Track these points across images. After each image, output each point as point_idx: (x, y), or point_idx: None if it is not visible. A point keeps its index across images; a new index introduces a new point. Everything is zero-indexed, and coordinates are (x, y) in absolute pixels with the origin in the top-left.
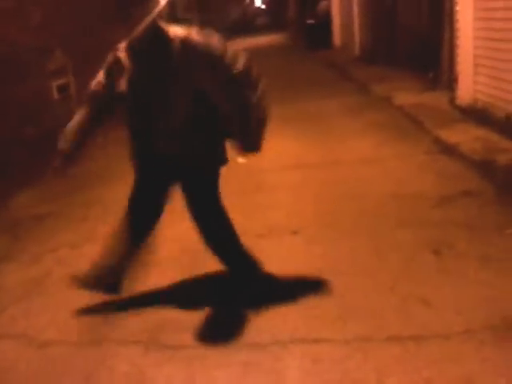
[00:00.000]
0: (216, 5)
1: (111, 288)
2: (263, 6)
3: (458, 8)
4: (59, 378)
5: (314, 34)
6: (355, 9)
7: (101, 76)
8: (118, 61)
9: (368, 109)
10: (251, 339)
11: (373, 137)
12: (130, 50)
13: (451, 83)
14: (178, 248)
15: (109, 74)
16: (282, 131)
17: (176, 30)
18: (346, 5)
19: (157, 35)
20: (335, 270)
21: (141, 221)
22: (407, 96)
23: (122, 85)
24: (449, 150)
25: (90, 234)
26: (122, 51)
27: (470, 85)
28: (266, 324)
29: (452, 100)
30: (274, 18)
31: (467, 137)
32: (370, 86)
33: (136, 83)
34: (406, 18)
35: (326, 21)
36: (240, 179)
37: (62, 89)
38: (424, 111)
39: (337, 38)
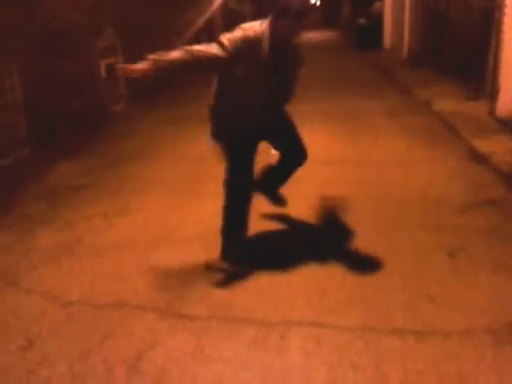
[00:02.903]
0: None
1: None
2: (318, 3)
3: (505, 19)
4: (78, 335)
5: (365, 34)
6: (407, 13)
7: (231, 42)
8: (257, 40)
9: (406, 112)
10: (261, 317)
11: (407, 140)
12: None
13: (493, 94)
14: (203, 227)
15: (242, 45)
16: (318, 125)
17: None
18: (398, 8)
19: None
20: (349, 263)
21: (249, 190)
22: (447, 103)
23: (253, 58)
24: (480, 159)
25: (121, 207)
26: (262, 35)
27: (510, 98)
28: (277, 304)
29: (491, 111)
30: (327, 16)
31: (500, 148)
32: (412, 90)
33: (266, 63)
34: (456, 26)
35: (377, 22)
36: None
37: (110, 68)
38: (462, 119)
39: (387, 40)
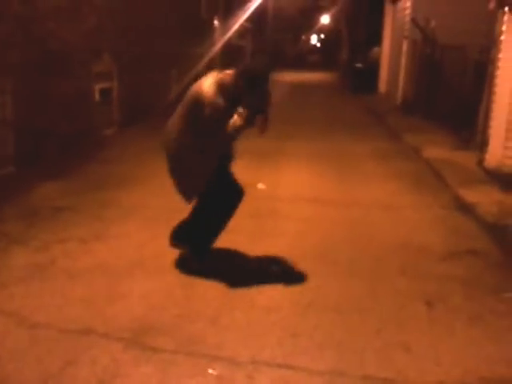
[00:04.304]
0: (271, 35)
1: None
2: (318, 45)
3: (498, 73)
4: (40, 360)
5: (361, 77)
6: (403, 60)
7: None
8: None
9: (396, 157)
10: (229, 354)
11: (394, 184)
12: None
13: (482, 145)
14: (180, 259)
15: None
16: (306, 164)
17: None
18: (395, 55)
19: None
20: (326, 305)
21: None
22: (437, 150)
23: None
24: (465, 209)
25: (100, 232)
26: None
27: (499, 149)
28: (248, 342)
29: (480, 161)
30: (326, 57)
31: (486, 198)
32: (403, 136)
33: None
34: (450, 76)
35: (374, 67)
36: (255, 205)
37: (104, 92)
38: (450, 167)
39: (382, 84)
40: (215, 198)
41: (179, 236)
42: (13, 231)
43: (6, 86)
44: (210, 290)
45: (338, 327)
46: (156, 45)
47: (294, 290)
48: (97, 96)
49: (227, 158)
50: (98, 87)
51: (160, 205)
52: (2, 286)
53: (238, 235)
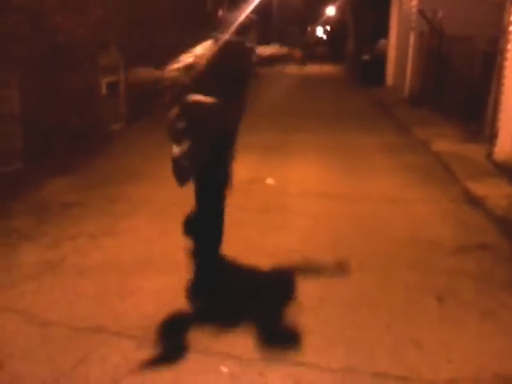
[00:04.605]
0: (277, 26)
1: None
2: (324, 37)
3: (506, 64)
4: (52, 358)
5: (368, 70)
6: (410, 52)
7: None
8: None
9: (404, 150)
10: (240, 352)
11: (402, 177)
12: None
13: (491, 137)
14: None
15: None
16: (313, 157)
17: None
18: (402, 47)
19: None
20: (336, 300)
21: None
22: (446, 143)
23: None
24: (474, 202)
25: (110, 228)
26: None
27: (508, 142)
28: (259, 341)
29: (489, 154)
30: (332, 49)
31: (496, 192)
32: (411, 129)
33: None
34: (457, 68)
35: (381, 59)
36: (264, 200)
37: (111, 86)
38: (459, 161)
39: (389, 77)
40: (209, 191)
41: (189, 228)
42: (22, 227)
43: (13, 79)
44: (218, 290)
45: (349, 323)
46: (162, 37)
47: (305, 285)
48: (104, 90)
49: (225, 149)
50: (105, 81)
51: (168, 199)
52: (12, 284)
53: (248, 229)
